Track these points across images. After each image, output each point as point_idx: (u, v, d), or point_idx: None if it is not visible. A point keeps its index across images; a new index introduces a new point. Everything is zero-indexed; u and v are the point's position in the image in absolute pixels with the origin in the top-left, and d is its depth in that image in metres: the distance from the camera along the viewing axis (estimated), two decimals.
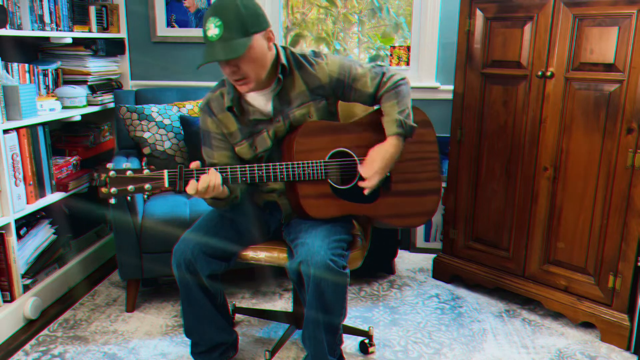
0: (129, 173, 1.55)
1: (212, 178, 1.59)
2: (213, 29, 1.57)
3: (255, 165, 1.68)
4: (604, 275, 2.17)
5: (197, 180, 1.58)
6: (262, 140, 1.79)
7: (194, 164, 1.61)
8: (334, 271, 1.61)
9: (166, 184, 1.57)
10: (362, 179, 1.79)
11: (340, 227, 1.77)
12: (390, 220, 1.86)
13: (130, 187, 1.55)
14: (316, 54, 1.80)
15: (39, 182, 2.38)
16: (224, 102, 1.77)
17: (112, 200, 1.55)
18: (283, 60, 1.72)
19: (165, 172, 1.57)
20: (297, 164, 1.70)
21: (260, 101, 1.77)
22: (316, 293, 1.63)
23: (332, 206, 1.76)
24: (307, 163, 1.71)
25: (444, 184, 2.67)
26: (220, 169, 1.64)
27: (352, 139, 1.81)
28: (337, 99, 1.86)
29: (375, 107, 1.88)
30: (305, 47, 3.45)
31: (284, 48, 1.78)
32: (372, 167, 1.76)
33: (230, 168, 1.66)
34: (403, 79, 1.83)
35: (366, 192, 1.78)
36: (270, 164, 1.69)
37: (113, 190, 1.53)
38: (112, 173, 1.53)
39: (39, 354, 2.06)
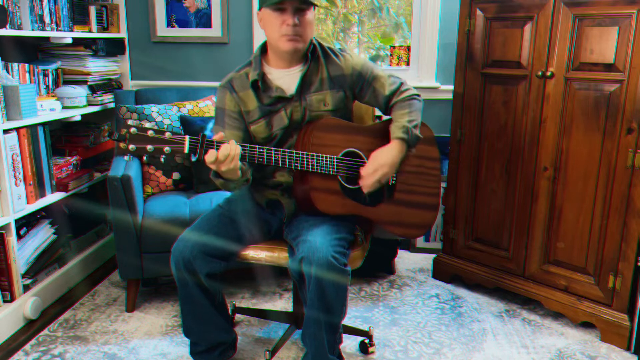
0: (150, 133, 1.51)
1: (233, 148, 1.59)
2: None
3: (273, 148, 1.71)
4: (604, 275, 2.17)
5: (217, 150, 1.57)
6: (280, 118, 1.82)
7: (218, 136, 1.61)
8: (335, 268, 1.61)
9: (186, 150, 1.54)
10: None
11: (342, 226, 1.78)
12: (389, 227, 1.89)
13: (149, 147, 1.51)
14: (342, 49, 1.91)
15: (39, 182, 2.38)
16: (249, 80, 1.82)
17: (127, 157, 1.53)
18: (315, 42, 1.85)
19: (187, 137, 1.55)
20: (313, 154, 1.73)
21: (285, 80, 1.82)
22: (317, 291, 1.63)
23: (337, 203, 1.78)
24: (322, 156, 1.75)
25: (444, 184, 2.68)
26: (239, 144, 1.64)
27: (365, 141, 1.84)
28: (354, 97, 1.92)
29: (388, 117, 1.93)
30: None
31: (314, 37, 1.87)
32: (372, 165, 1.79)
33: (249, 146, 1.67)
34: (419, 94, 1.93)
35: (364, 190, 1.80)
36: (287, 150, 1.72)
37: (132, 147, 1.49)
38: (133, 130, 1.50)
39: (39, 354, 2.06)
